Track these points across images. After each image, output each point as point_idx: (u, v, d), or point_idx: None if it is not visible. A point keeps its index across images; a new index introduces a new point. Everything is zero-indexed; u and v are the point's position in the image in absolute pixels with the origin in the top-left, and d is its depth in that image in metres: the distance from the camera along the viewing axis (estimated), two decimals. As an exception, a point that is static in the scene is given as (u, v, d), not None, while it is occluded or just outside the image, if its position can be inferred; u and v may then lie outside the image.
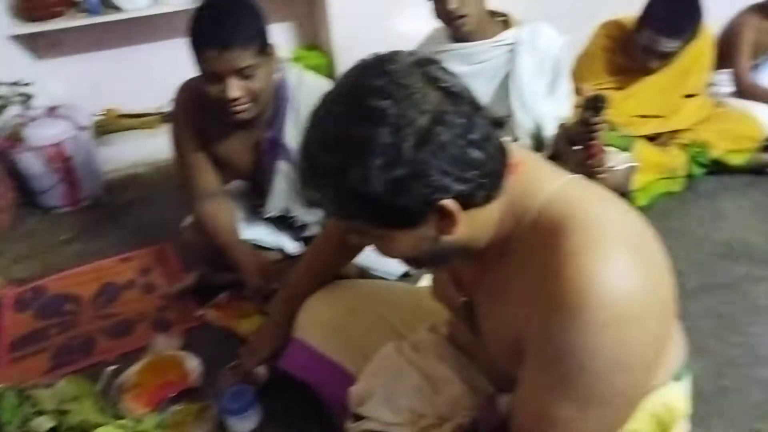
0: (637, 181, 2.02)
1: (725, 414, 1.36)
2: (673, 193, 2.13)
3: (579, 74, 2.14)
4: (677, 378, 0.92)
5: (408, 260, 0.80)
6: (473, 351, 0.99)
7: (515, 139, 1.93)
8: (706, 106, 2.25)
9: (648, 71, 2.10)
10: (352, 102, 0.65)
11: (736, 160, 2.17)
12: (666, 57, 2.02)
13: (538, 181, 0.76)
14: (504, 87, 1.88)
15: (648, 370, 0.76)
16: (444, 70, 0.69)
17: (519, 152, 0.78)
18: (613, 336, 0.66)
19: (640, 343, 0.69)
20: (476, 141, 0.66)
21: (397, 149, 0.62)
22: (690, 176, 2.16)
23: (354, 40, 2.62)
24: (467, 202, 0.68)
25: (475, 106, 0.69)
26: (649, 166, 2.05)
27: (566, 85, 1.93)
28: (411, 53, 0.70)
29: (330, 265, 1.26)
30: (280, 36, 2.82)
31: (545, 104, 1.86)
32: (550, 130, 1.84)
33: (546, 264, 0.69)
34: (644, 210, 2.06)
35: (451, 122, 0.65)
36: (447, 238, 0.71)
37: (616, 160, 1.90)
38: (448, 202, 0.66)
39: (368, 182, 0.63)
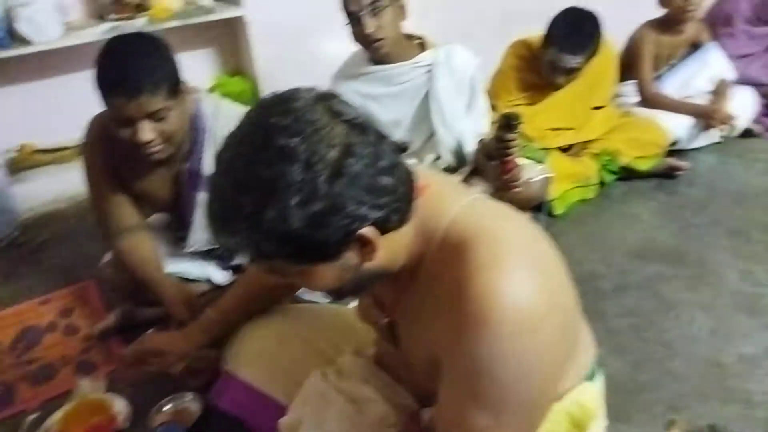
0: (553, 191, 2.12)
1: (644, 407, 1.44)
2: (587, 200, 2.25)
3: (494, 92, 2.24)
4: (589, 378, 0.97)
5: (331, 292, 0.81)
6: (398, 369, 1.01)
7: (438, 157, 2.00)
8: (614, 117, 2.40)
9: (556, 86, 2.22)
10: (260, 143, 0.66)
11: (644, 165, 2.32)
12: (571, 73, 2.15)
13: (444, 202, 0.79)
14: (425, 107, 1.94)
15: (556, 375, 0.80)
16: (345, 103, 0.71)
17: (425, 175, 0.80)
18: (518, 346, 0.70)
19: (545, 350, 0.73)
20: (386, 168, 0.69)
21: (312, 185, 0.63)
22: (602, 183, 2.29)
23: (277, 64, 2.63)
24: (384, 227, 0.70)
25: (379, 135, 0.71)
26: (563, 176, 2.16)
27: (483, 103, 2.02)
28: (309, 89, 0.71)
29: (264, 302, 1.25)
30: (203, 63, 2.80)
31: (465, 122, 1.94)
32: (470, 146, 1.92)
33: (453, 281, 0.72)
34: (562, 217, 2.17)
35: (360, 153, 0.66)
36: (368, 265, 0.73)
37: (532, 172, 1.98)
38: (367, 230, 0.68)
39: (287, 221, 0.64)
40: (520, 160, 1.96)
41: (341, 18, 1.78)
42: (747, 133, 2.59)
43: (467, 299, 0.70)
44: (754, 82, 2.65)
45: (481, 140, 1.86)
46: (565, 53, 2.09)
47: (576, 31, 2.08)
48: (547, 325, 0.72)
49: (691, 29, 2.50)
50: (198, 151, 1.51)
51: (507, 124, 1.62)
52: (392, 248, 0.75)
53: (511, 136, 1.64)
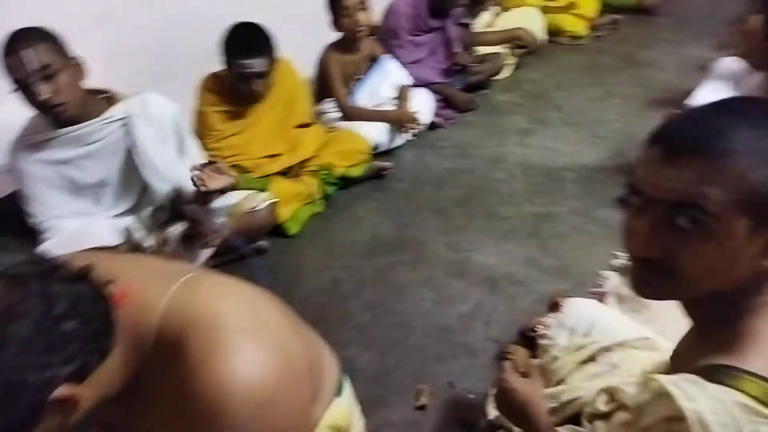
0: (283, 214, 2.23)
1: (396, 388, 1.61)
2: (317, 214, 2.41)
3: (199, 131, 2.25)
4: (338, 392, 1.04)
5: None
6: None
7: (159, 207, 1.93)
8: (322, 134, 2.61)
9: (257, 98, 2.27)
10: None
11: (357, 172, 2.57)
12: (263, 77, 2.20)
13: (149, 300, 0.74)
14: (130, 161, 1.87)
15: (308, 420, 0.83)
16: None
17: (122, 277, 0.73)
18: (263, 422, 0.69)
19: (292, 411, 0.74)
20: (65, 312, 0.60)
21: None
22: (326, 196, 2.47)
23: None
24: (83, 374, 0.63)
25: (45, 273, 0.62)
26: (289, 198, 2.28)
27: (193, 145, 2.02)
28: None
29: None
30: None
31: (180, 168, 1.91)
32: (190, 191, 1.91)
33: (177, 381, 0.69)
34: (298, 236, 2.29)
35: (26, 311, 0.58)
36: (75, 416, 0.65)
37: (255, 200, 2.06)
38: (62, 390, 0.60)
39: None
40: (240, 194, 2.04)
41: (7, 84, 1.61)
42: (432, 126, 3.05)
43: (196, 397, 0.67)
44: (427, 82, 3.13)
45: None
46: (248, 57, 2.13)
47: (248, 36, 2.16)
48: (286, 388, 0.73)
49: (366, 46, 2.84)
50: None
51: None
52: (101, 383, 0.68)
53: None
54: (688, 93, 2.61)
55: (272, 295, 0.89)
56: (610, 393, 1.06)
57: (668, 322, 1.12)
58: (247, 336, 0.73)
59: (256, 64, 2.16)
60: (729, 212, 0.64)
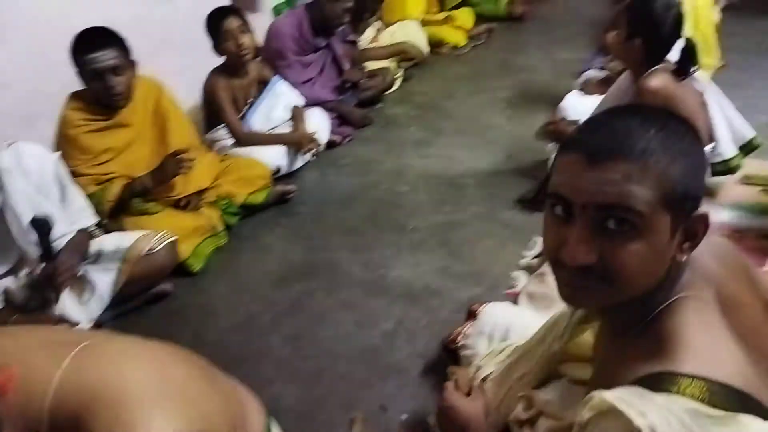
0: (184, 251, 2.09)
1: (327, 420, 1.55)
2: (221, 247, 2.29)
3: (72, 159, 2.04)
4: None
5: None
6: None
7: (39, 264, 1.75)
8: (217, 163, 2.49)
9: (119, 101, 2.10)
10: None
11: (259, 198, 2.47)
12: (117, 72, 2.03)
13: (36, 383, 0.67)
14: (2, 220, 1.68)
15: None
16: None
17: (2, 359, 0.67)
18: None
19: None
20: None
21: None
22: (229, 227, 2.36)
23: None
24: None
25: None
26: (189, 233, 2.15)
27: (76, 194, 1.88)
28: None
29: None
30: None
31: (65, 219, 1.78)
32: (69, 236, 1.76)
33: None
34: (203, 273, 2.16)
35: None
36: None
37: (152, 241, 1.92)
38: None
39: None
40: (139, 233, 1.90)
41: None
42: (331, 145, 3.02)
43: None
44: (320, 101, 3.10)
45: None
46: (95, 51, 1.97)
47: (91, 33, 2.00)
48: None
49: (254, 69, 2.75)
50: None
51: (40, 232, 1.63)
52: None
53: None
54: (564, 93, 2.80)
55: (180, 349, 0.81)
56: (528, 399, 1.07)
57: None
58: (156, 407, 0.67)
59: (105, 56, 1.99)
60: (654, 210, 0.66)
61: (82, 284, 1.85)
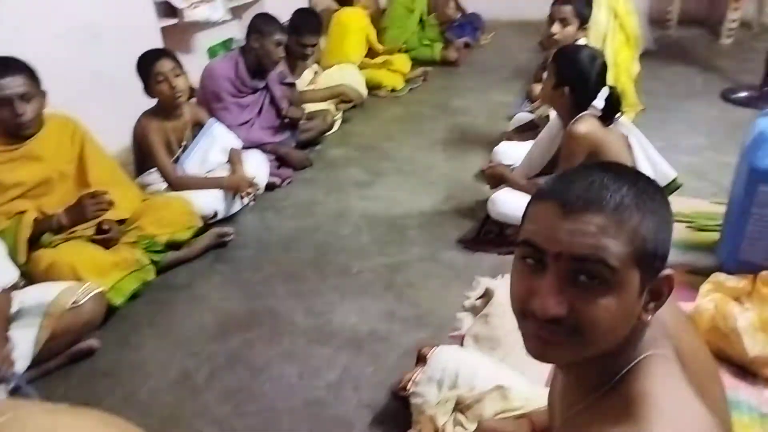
0: (104, 283, 1.98)
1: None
2: (155, 299, 2.16)
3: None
4: None
5: None
6: None
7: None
8: (139, 196, 2.40)
9: (28, 129, 2.02)
10: None
11: (185, 235, 2.37)
12: (25, 99, 1.97)
13: None
14: None
15: None
16: None
17: None
18: None
19: None
20: None
21: None
22: (155, 262, 2.22)
23: None
24: None
25: None
26: (108, 269, 2.05)
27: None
28: None
29: None
30: None
31: None
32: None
33: None
34: (132, 326, 2.02)
35: None
36: None
37: (77, 293, 1.79)
38: None
39: None
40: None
41: None
42: (270, 187, 2.96)
43: None
44: (259, 143, 3.05)
45: None
46: (1, 78, 1.93)
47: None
48: None
49: (188, 111, 2.68)
50: None
51: None
52: None
53: None
54: (498, 133, 2.87)
55: (110, 416, 0.74)
56: None
57: (521, 356, 1.17)
58: None
59: (13, 82, 1.94)
60: (626, 265, 0.66)
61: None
